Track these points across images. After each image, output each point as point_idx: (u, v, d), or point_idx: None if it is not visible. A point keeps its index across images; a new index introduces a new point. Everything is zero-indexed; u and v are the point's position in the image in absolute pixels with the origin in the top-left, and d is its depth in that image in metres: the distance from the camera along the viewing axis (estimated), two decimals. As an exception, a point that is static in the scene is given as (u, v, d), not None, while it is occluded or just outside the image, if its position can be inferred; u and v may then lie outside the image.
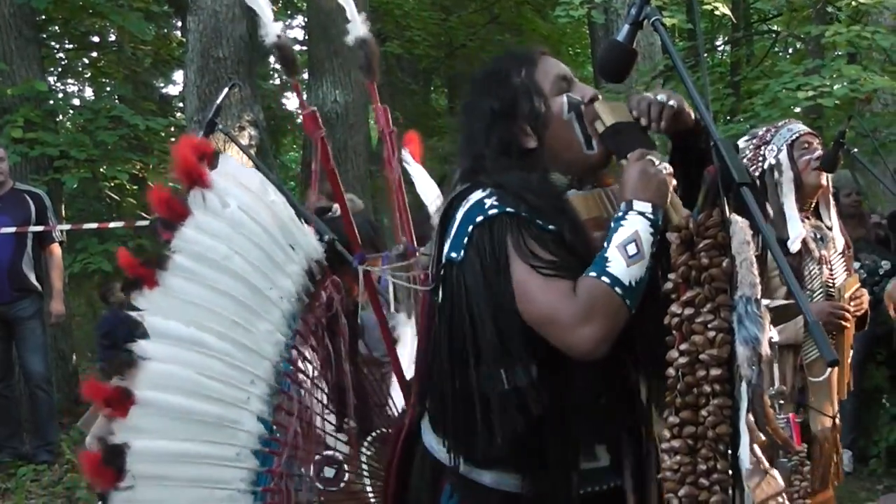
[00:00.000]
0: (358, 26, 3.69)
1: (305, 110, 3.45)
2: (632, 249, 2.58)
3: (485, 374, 2.67)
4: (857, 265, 8.39)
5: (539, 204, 2.72)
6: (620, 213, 2.66)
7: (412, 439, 3.02)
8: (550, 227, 2.69)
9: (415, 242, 3.72)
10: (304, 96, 3.50)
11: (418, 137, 4.44)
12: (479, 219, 2.69)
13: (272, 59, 21.63)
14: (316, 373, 3.14)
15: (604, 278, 2.56)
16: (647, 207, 2.63)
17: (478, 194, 2.75)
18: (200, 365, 2.90)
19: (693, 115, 2.83)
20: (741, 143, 5.47)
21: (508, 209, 2.68)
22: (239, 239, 2.99)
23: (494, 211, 2.69)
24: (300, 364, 3.09)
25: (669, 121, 2.78)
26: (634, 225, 2.61)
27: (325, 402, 3.20)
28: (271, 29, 3.41)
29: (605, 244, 2.62)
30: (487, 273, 2.66)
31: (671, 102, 2.78)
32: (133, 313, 2.89)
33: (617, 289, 2.55)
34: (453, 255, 2.74)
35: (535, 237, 2.66)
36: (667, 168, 2.70)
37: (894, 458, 8.87)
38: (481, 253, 2.67)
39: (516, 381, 2.65)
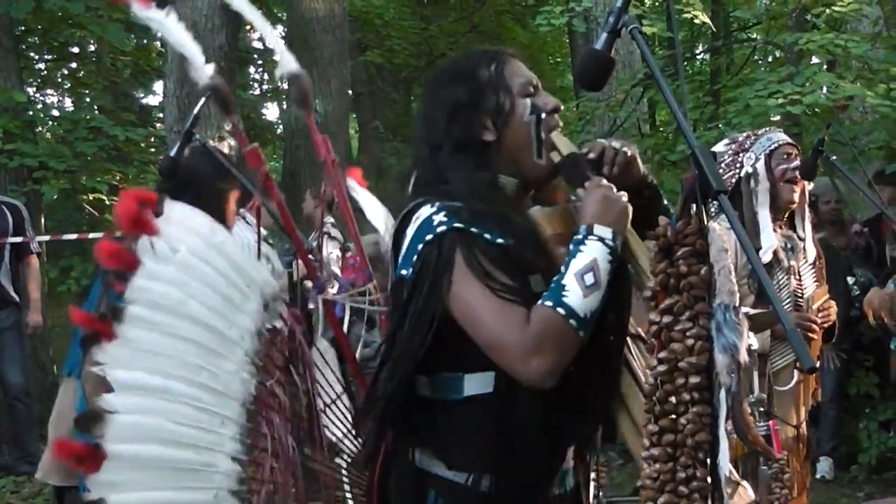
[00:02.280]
0: (289, 62, 3.74)
1: (247, 147, 3.44)
2: (589, 279, 2.56)
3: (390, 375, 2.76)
4: (851, 280, 8.44)
5: (486, 211, 2.71)
6: (580, 237, 2.65)
7: (390, 457, 3.02)
8: (499, 240, 2.68)
9: (369, 267, 3.73)
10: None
11: (358, 171, 4.49)
12: (429, 237, 2.69)
13: (252, 68, 21.73)
14: (286, 406, 3.12)
15: (559, 309, 2.55)
16: (607, 233, 2.63)
17: (426, 210, 2.74)
18: (169, 412, 2.87)
19: (642, 170, 2.87)
20: (721, 146, 5.48)
21: (456, 225, 2.67)
22: (193, 283, 2.95)
23: (443, 228, 2.67)
24: (268, 400, 3.07)
25: (622, 166, 2.80)
26: (593, 252, 2.60)
27: (297, 434, 3.18)
28: (202, 71, 3.41)
29: (563, 269, 2.61)
30: (427, 286, 2.67)
31: (625, 150, 2.81)
32: (94, 369, 2.84)
33: (572, 321, 2.54)
34: (403, 272, 2.74)
35: (486, 254, 2.65)
36: (625, 196, 2.71)
37: (880, 465, 8.89)
38: (427, 269, 2.67)
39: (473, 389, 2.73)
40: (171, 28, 3.30)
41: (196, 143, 4.62)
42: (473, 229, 2.67)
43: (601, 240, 2.62)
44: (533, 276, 2.67)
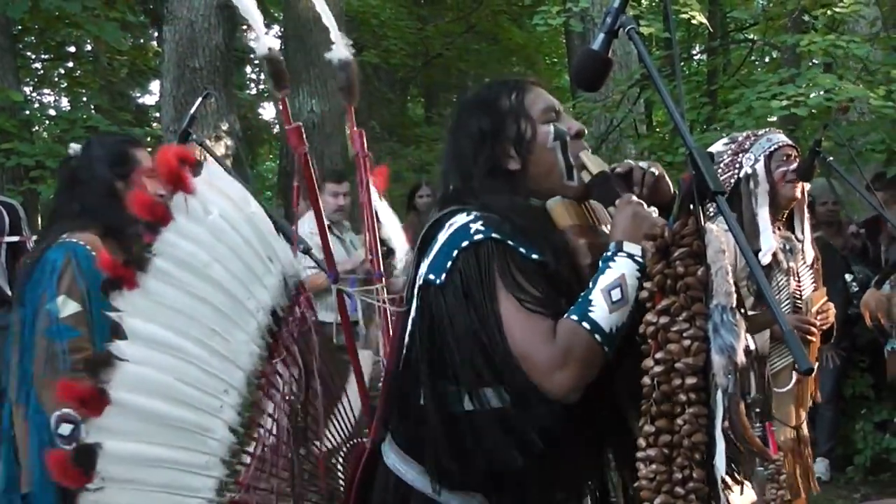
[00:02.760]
0: (341, 48, 3.69)
1: (290, 126, 3.41)
2: (616, 295, 2.56)
3: (456, 395, 2.67)
4: (849, 277, 8.44)
5: (525, 227, 2.70)
6: (609, 254, 2.64)
7: (373, 460, 3.01)
8: (535, 255, 2.67)
9: (381, 267, 3.70)
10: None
11: (386, 172, 4.41)
12: (465, 244, 2.67)
13: (248, 68, 21.72)
14: (287, 388, 3.12)
15: (584, 324, 2.55)
16: (636, 250, 2.62)
17: (462, 218, 2.73)
18: (177, 370, 2.88)
19: (671, 188, 2.84)
20: (720, 146, 5.45)
21: (494, 235, 2.66)
22: (220, 247, 2.97)
23: (480, 236, 2.66)
24: (273, 378, 3.07)
25: (651, 187, 2.79)
26: (622, 268, 2.60)
27: (294, 418, 3.17)
28: (263, 41, 3.38)
29: (591, 284, 2.60)
30: (473, 298, 2.63)
31: (653, 170, 2.80)
32: (111, 314, 2.86)
33: (597, 336, 2.54)
34: (431, 276, 2.72)
35: (520, 267, 2.64)
36: (655, 212, 2.70)
37: (875, 467, 8.89)
38: (466, 278, 2.64)
39: (491, 404, 2.65)
40: None
41: (192, 142, 4.61)
42: (510, 242, 2.66)
43: (630, 256, 2.61)
44: (564, 297, 2.65)
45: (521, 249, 2.67)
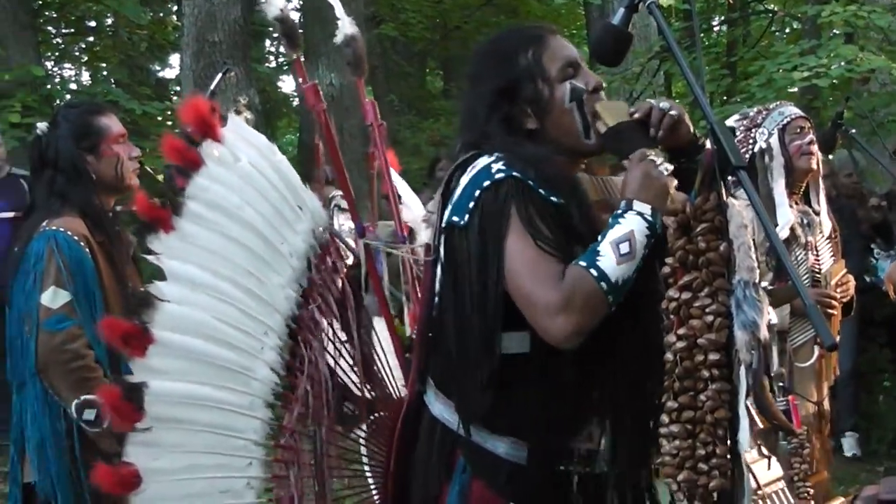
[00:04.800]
0: (346, 24, 3.70)
1: (307, 84, 3.44)
2: (624, 248, 2.56)
3: (487, 336, 2.69)
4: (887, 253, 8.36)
5: (549, 173, 2.72)
6: (619, 211, 2.64)
7: (413, 413, 3.03)
8: (554, 198, 2.69)
9: (404, 231, 3.72)
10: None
11: (394, 154, 4.41)
12: (486, 183, 2.69)
13: (267, 42, 21.69)
14: (324, 334, 3.15)
15: (592, 271, 2.55)
16: (646, 209, 2.62)
17: (484, 160, 2.75)
18: (216, 310, 2.93)
19: (691, 130, 2.82)
20: (731, 122, 5.43)
21: (515, 173, 2.68)
22: (250, 191, 3.03)
23: (502, 175, 2.68)
24: (309, 323, 3.10)
25: (668, 130, 2.75)
26: (631, 224, 2.60)
27: (333, 364, 3.20)
28: (275, 2, 3.40)
29: (600, 238, 2.61)
30: (488, 236, 2.66)
31: (672, 112, 2.76)
32: (149, 257, 2.93)
33: (602, 283, 2.54)
34: (455, 218, 2.74)
35: (538, 208, 2.66)
36: (668, 169, 2.68)
37: (897, 441, 8.87)
38: (484, 216, 2.67)
39: (513, 348, 2.70)
40: None
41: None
42: (531, 182, 2.68)
43: (640, 214, 2.61)
44: (577, 245, 2.66)
45: (541, 191, 2.68)
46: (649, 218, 2.61)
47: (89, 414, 3.90)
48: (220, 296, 2.94)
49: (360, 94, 3.90)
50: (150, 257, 2.92)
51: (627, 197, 2.65)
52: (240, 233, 2.99)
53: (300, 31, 3.60)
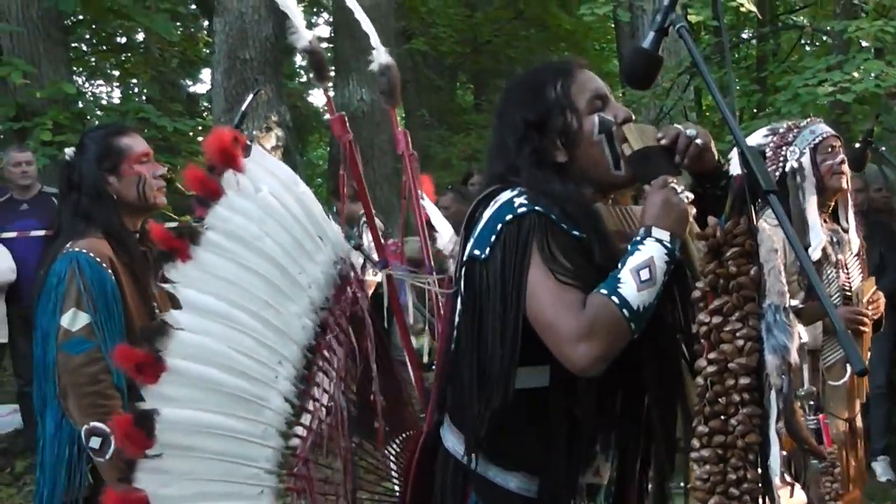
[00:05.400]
0: (381, 53, 3.72)
1: (334, 115, 3.46)
2: (644, 275, 2.57)
3: (503, 372, 2.68)
4: None
5: (571, 210, 2.72)
6: (639, 238, 2.65)
7: (430, 444, 3.04)
8: (576, 233, 2.70)
9: (431, 261, 3.73)
10: (331, 94, 3.52)
11: (431, 180, 4.42)
12: (509, 217, 2.69)
13: (298, 58, 21.78)
14: (340, 364, 3.16)
15: (613, 298, 2.55)
16: (665, 235, 2.62)
17: (507, 194, 2.75)
18: (231, 339, 2.94)
19: (716, 157, 2.83)
20: (759, 138, 5.38)
21: (538, 208, 2.68)
22: (270, 222, 3.04)
23: (524, 209, 2.68)
24: (327, 353, 3.12)
25: (694, 158, 2.76)
26: (651, 251, 2.60)
27: (349, 395, 3.22)
28: (303, 34, 3.43)
29: (620, 265, 2.62)
30: (509, 268, 2.66)
31: (699, 140, 2.76)
32: (165, 286, 2.93)
33: (624, 311, 2.54)
34: (476, 252, 2.74)
35: (559, 241, 2.67)
36: (689, 197, 2.69)
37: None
38: (506, 250, 2.67)
39: (532, 382, 2.72)
40: None
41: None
42: (553, 216, 2.69)
43: (659, 241, 2.62)
44: (598, 278, 2.66)
45: (563, 225, 2.69)
46: (668, 244, 2.62)
47: (95, 442, 3.92)
48: (235, 325, 2.95)
49: (393, 124, 3.90)
50: (166, 286, 2.93)
51: (647, 223, 2.66)
52: (258, 263, 3.00)
53: (328, 60, 3.62)
